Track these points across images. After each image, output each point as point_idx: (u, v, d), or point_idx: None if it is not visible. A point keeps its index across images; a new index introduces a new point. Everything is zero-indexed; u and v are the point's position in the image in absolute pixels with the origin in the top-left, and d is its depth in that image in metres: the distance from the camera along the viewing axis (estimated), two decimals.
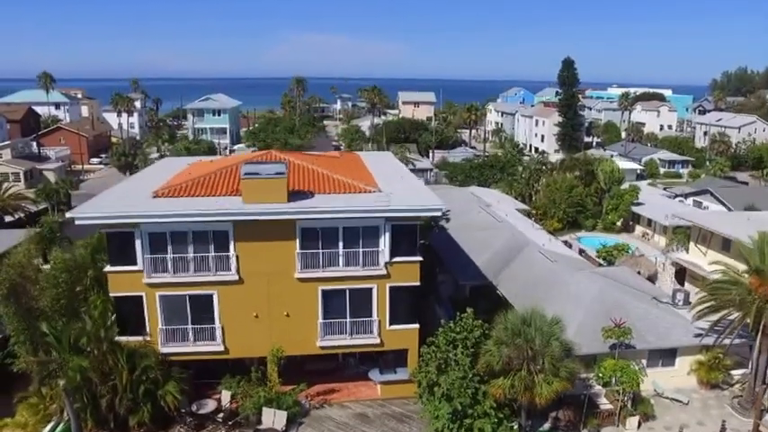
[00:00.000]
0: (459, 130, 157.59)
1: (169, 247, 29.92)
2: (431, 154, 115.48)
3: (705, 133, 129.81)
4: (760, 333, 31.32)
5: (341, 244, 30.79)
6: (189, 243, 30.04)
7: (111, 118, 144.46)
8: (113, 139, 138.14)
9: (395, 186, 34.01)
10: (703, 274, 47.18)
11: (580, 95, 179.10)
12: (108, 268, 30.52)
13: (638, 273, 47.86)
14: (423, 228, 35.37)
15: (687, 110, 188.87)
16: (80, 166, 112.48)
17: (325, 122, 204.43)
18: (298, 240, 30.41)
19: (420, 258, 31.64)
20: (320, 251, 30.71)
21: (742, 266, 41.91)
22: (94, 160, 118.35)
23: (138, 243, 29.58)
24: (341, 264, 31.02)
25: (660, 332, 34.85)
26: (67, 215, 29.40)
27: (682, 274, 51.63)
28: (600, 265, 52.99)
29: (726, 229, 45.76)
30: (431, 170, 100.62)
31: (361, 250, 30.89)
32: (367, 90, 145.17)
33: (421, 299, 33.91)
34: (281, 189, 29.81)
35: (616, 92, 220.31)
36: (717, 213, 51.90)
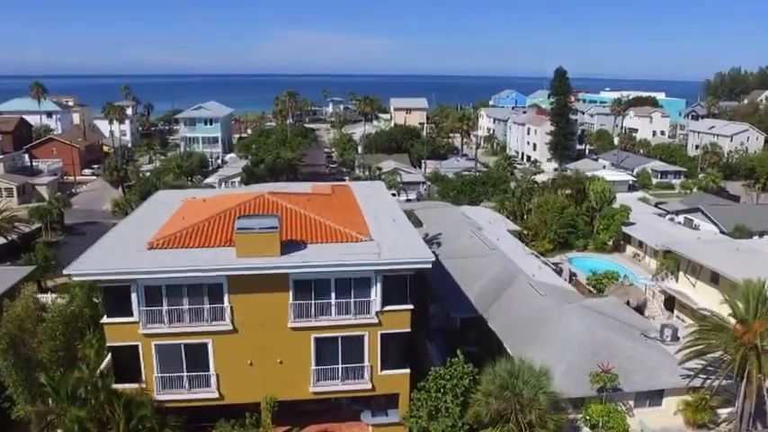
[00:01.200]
0: (451, 135, 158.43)
1: (164, 300, 30.54)
2: (423, 165, 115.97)
3: (697, 146, 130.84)
4: (744, 379, 32.01)
5: (333, 294, 31.44)
6: (184, 296, 30.66)
7: (103, 124, 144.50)
8: (105, 148, 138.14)
9: (386, 232, 34.66)
10: (692, 305, 48.06)
11: (573, 97, 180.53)
12: (105, 320, 31.01)
13: (627, 302, 48.53)
14: None
15: (680, 114, 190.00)
16: (72, 178, 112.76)
17: (316, 126, 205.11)
18: (291, 292, 31.03)
19: (411, 307, 32.25)
20: (313, 302, 31.35)
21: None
22: (86, 171, 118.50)
23: (134, 296, 30.14)
24: (333, 313, 31.66)
25: (647, 373, 35.57)
26: (64, 272, 29.78)
27: (671, 301, 52.43)
28: (590, 292, 53.78)
29: (715, 263, 46.55)
30: (423, 183, 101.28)
31: (352, 300, 31.53)
32: (359, 99, 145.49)
33: (412, 335, 34.45)
34: (274, 243, 30.36)
35: (609, 95, 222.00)
36: (707, 243, 52.49)
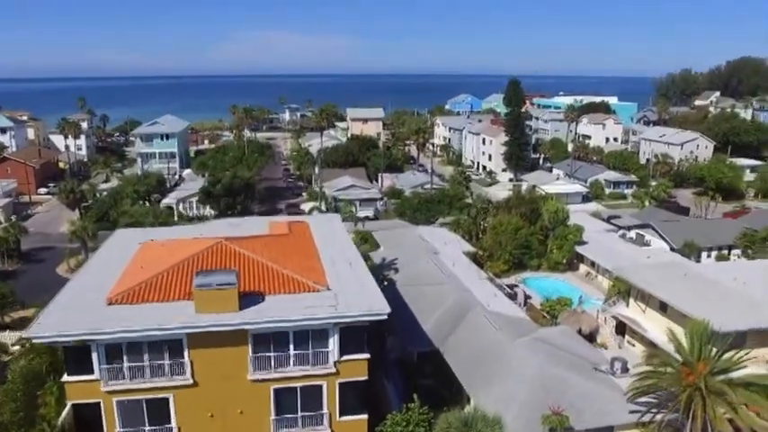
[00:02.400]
0: (408, 141, 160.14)
1: (125, 357, 30.88)
2: (380, 178, 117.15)
3: (648, 160, 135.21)
4: (690, 419, 33.72)
5: (291, 346, 32.24)
6: (144, 352, 31.06)
7: (59, 139, 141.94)
8: (61, 164, 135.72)
9: (343, 279, 35.65)
10: (642, 332, 50.24)
11: (527, 101, 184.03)
12: (65, 378, 31.23)
13: (580, 330, 50.44)
14: None
15: (632, 119, 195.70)
16: (27, 197, 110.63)
17: (273, 135, 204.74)
18: (250, 345, 31.72)
19: (367, 356, 33.26)
20: (272, 354, 32.10)
21: (678, 328, 45.21)
22: (42, 190, 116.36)
23: (94, 355, 30.43)
24: (292, 364, 32.47)
25: (598, 409, 37.04)
26: (23, 335, 29.90)
27: (623, 326, 54.52)
28: (544, 317, 55.69)
29: (662, 292, 48.76)
30: (380, 199, 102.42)
31: (311, 351, 32.41)
32: (315, 113, 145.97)
33: (370, 372, 35.32)
34: (233, 299, 31.03)
35: (563, 100, 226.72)
36: (656, 269, 54.57)
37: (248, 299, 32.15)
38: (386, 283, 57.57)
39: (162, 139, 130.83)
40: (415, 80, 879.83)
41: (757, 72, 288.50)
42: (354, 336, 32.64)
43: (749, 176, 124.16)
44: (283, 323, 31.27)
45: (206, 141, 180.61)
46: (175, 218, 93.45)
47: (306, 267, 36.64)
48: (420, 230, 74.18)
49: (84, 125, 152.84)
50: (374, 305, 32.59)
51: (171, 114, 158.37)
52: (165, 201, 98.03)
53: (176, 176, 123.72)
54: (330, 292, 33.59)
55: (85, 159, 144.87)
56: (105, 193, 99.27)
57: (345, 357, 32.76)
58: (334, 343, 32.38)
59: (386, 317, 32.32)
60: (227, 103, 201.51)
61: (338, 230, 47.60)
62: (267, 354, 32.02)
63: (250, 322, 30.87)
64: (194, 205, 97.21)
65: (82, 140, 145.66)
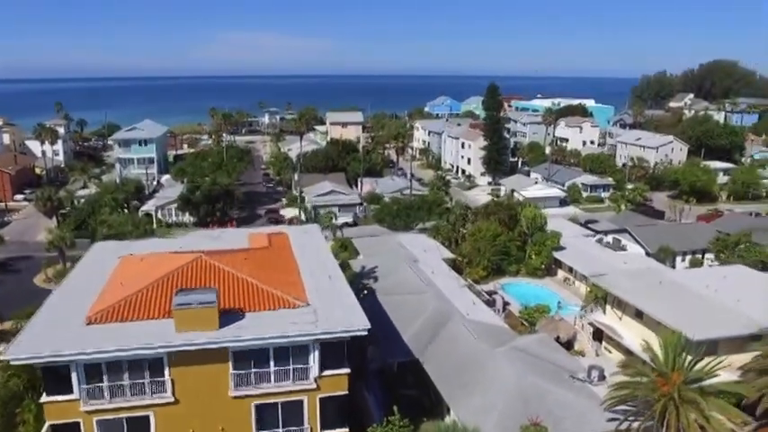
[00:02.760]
0: (387, 146, 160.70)
1: (105, 377, 30.88)
2: (359, 183, 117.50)
3: (624, 165, 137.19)
4: (664, 427, 34.57)
5: (272, 363, 32.48)
6: (124, 370, 31.09)
7: (35, 144, 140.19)
8: (38, 170, 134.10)
9: (323, 293, 36.03)
10: (618, 339, 51.21)
11: (506, 104, 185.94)
12: (44, 398, 31.14)
13: (558, 338, 51.24)
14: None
15: (608, 122, 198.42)
16: (3, 205, 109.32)
17: (253, 138, 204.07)
18: (231, 362, 31.91)
19: (348, 370, 33.63)
20: (252, 370, 32.32)
21: (653, 336, 46.26)
22: (18, 197, 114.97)
23: (73, 375, 30.40)
24: (272, 380, 32.72)
25: (576, 418, 37.70)
26: (0, 358, 29.78)
27: (600, 332, 55.46)
28: (522, 325, 56.45)
29: (638, 301, 49.90)
30: (360, 205, 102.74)
31: (291, 367, 32.69)
32: (294, 119, 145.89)
33: (350, 385, 35.61)
34: (213, 317, 31.20)
35: (541, 103, 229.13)
36: (631, 277, 55.80)
37: (228, 316, 32.32)
38: (366, 292, 58.07)
39: (140, 144, 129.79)
40: (395, 81, 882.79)
41: (729, 75, 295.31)
42: (334, 351, 32.99)
43: (722, 179, 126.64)
44: (263, 341, 31.48)
45: (185, 145, 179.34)
46: (154, 225, 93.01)
47: (286, 282, 36.92)
48: (399, 238, 74.71)
49: (61, 130, 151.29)
50: (354, 321, 32.95)
51: (150, 118, 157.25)
52: (144, 208, 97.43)
53: (155, 182, 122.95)
54: (310, 308, 33.89)
55: (63, 165, 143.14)
56: (83, 200, 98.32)
57: (326, 373, 33.10)
58: (314, 359, 32.70)
59: (365, 333, 32.67)
60: (207, 105, 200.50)
61: (318, 242, 47.92)
62: (248, 371, 32.24)
63: (230, 340, 31.05)
64: (173, 212, 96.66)
65: (59, 145, 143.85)
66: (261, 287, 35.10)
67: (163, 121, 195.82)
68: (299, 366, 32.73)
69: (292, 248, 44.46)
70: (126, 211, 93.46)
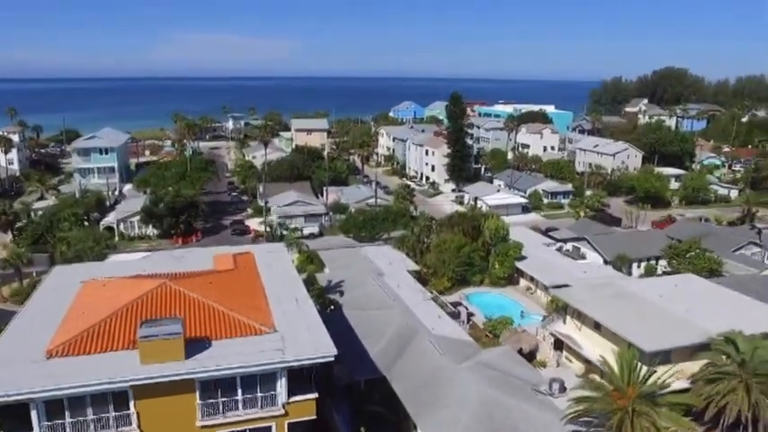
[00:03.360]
0: (352, 151, 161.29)
1: (67, 413, 30.42)
2: (324, 192, 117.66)
3: (583, 173, 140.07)
4: None
5: (239, 391, 32.56)
6: (88, 405, 30.68)
7: None
8: None
9: (290, 318, 36.26)
10: (578, 350, 52.62)
11: (469, 109, 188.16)
12: None
13: (521, 350, 52.37)
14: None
15: (568, 128, 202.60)
16: None
17: (217, 144, 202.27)
18: (197, 392, 31.88)
19: (316, 395, 33.94)
20: (220, 399, 32.34)
21: (611, 346, 47.77)
22: None
23: (33, 413, 29.88)
24: (240, 408, 32.79)
25: (539, 431, 38.87)
26: None
27: (561, 342, 56.78)
28: (487, 336, 57.52)
29: (596, 313, 51.34)
30: (325, 215, 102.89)
31: (259, 395, 32.82)
32: (258, 127, 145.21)
33: (317, 405, 35.84)
34: (179, 348, 31.12)
35: (503, 109, 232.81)
36: (589, 288, 57.42)
37: (194, 346, 32.27)
38: (332, 307, 58.47)
39: (100, 153, 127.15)
40: (361, 84, 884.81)
41: (680, 81, 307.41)
42: (302, 377, 33.35)
43: (674, 185, 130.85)
44: (230, 370, 31.55)
45: (147, 152, 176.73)
46: (116, 239, 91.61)
47: (252, 307, 37.00)
48: (365, 250, 75.10)
49: (16, 138, 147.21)
50: (320, 347, 33.27)
51: (110, 121, 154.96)
52: (106, 220, 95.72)
53: (116, 192, 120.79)
54: (277, 335, 34.07)
55: (18, 174, 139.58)
56: (40, 213, 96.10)
57: (294, 399, 33.35)
58: (282, 385, 32.92)
59: (332, 359, 33.02)
60: (169, 108, 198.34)
61: (284, 262, 48.04)
62: (215, 400, 32.24)
63: (197, 371, 31.03)
64: (136, 225, 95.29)
65: (13, 154, 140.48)
66: (227, 314, 35.14)
67: (124, 125, 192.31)
68: (267, 394, 32.90)
69: (258, 269, 44.51)
70: (86, 223, 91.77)
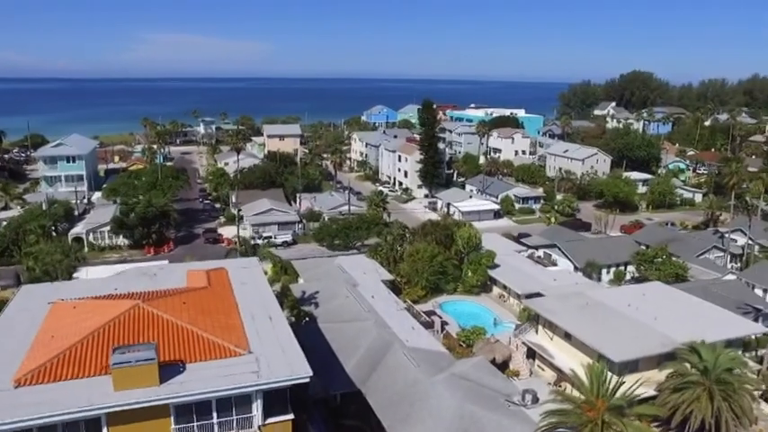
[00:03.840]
0: (324, 156, 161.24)
1: None
2: (298, 199, 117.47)
3: (553, 179, 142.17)
4: None
5: (215, 414, 32.46)
6: None
7: None
8: None
9: (264, 338, 36.19)
10: (549, 359, 53.54)
11: (441, 113, 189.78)
12: None
13: (494, 359, 53.04)
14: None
15: (538, 132, 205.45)
16: None
17: (188, 149, 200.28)
18: (172, 417, 31.68)
19: (291, 416, 34.02)
20: (195, 423, 32.19)
21: (582, 356, 48.73)
22: None
23: None
24: (216, 431, 32.70)
25: None
26: None
27: (533, 351, 57.67)
28: (460, 346, 58.15)
29: (567, 324, 52.38)
30: (299, 222, 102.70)
31: (234, 418, 32.72)
32: (230, 134, 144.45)
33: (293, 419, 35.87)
34: (153, 374, 30.89)
35: (475, 113, 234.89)
36: (560, 299, 58.43)
37: (168, 370, 32.05)
38: (307, 319, 58.54)
39: (68, 161, 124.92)
40: (333, 86, 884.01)
41: (647, 85, 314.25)
42: (278, 398, 33.30)
43: (641, 189, 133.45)
44: (205, 394, 31.46)
45: (116, 158, 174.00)
46: (86, 249, 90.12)
47: (227, 327, 36.88)
48: (339, 260, 75.19)
49: None
50: (295, 368, 33.31)
51: (77, 124, 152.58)
52: (74, 230, 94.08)
53: (85, 201, 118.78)
54: (252, 356, 34.02)
55: None
56: (5, 224, 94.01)
57: (269, 420, 33.34)
58: (257, 408, 32.90)
59: (308, 380, 33.14)
60: (137, 110, 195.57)
61: (257, 277, 47.89)
62: (190, 424, 32.09)
63: (171, 396, 30.86)
64: (106, 235, 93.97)
65: None
66: (201, 335, 34.97)
67: (91, 129, 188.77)
68: (243, 416, 32.83)
69: (232, 286, 44.37)
70: (54, 234, 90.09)
